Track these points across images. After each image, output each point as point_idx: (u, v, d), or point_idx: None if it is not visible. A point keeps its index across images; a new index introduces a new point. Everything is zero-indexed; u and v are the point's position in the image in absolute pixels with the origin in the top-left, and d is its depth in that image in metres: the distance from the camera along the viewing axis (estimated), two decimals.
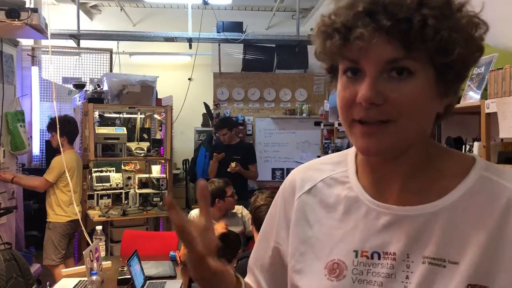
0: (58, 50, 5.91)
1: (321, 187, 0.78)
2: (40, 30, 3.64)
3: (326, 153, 5.88)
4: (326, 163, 0.81)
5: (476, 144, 2.30)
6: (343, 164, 0.78)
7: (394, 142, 0.64)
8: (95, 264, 2.54)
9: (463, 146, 2.53)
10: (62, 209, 3.87)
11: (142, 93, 4.52)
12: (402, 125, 0.63)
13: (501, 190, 0.65)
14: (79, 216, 3.81)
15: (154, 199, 4.54)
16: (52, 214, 3.88)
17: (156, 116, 5.40)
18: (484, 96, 2.15)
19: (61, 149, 3.73)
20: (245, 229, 3.45)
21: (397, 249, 0.67)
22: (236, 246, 2.82)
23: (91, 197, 4.39)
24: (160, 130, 5.39)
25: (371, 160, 0.72)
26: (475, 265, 0.62)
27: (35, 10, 3.51)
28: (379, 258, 0.68)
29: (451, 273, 0.63)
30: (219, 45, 6.70)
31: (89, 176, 4.41)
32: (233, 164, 4.74)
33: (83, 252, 2.51)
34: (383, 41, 0.60)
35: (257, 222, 2.44)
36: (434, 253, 0.64)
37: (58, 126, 3.54)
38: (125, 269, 2.72)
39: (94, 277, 2.37)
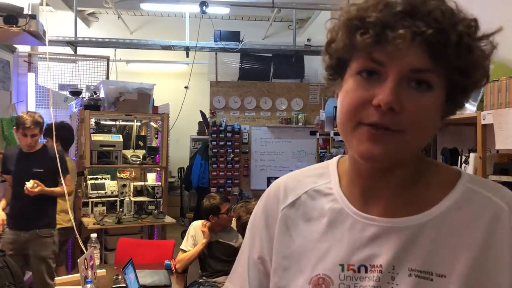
0: (55, 56, 5.90)
1: (305, 199, 0.75)
2: (38, 37, 3.64)
3: (321, 161, 5.87)
4: (308, 175, 0.79)
5: (472, 155, 2.31)
6: (325, 175, 0.76)
7: (398, 151, 0.62)
8: (89, 272, 2.52)
9: (459, 157, 2.54)
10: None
11: (139, 100, 4.52)
12: (409, 137, 0.62)
13: (487, 203, 0.65)
14: (70, 224, 3.77)
15: (149, 207, 4.52)
16: None
17: (152, 123, 5.39)
18: (480, 108, 2.16)
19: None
20: None
21: (383, 262, 0.65)
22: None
23: (85, 204, 4.36)
24: (156, 138, 5.39)
25: (362, 171, 0.70)
26: (464, 278, 0.61)
27: (33, 17, 3.51)
28: (366, 271, 0.66)
29: (439, 287, 0.62)
30: (216, 54, 6.73)
31: (84, 184, 4.39)
32: (28, 184, 3.28)
33: (78, 260, 2.48)
34: (418, 47, 0.58)
35: None
36: (421, 265, 0.63)
37: (54, 133, 3.52)
38: (120, 277, 2.70)
39: (88, 285, 2.35)
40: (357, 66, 0.63)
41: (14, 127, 3.51)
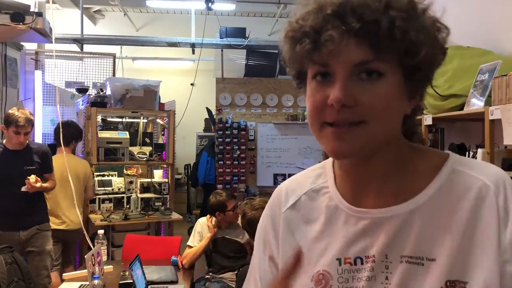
0: (62, 54, 5.93)
1: (304, 200, 0.78)
2: (45, 34, 3.66)
3: (327, 158, 5.86)
4: (308, 176, 0.81)
5: (480, 150, 2.29)
6: (323, 175, 0.79)
7: (364, 143, 0.64)
8: (97, 268, 2.53)
9: (466, 153, 2.52)
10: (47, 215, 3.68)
11: (145, 97, 4.53)
12: (372, 127, 0.63)
13: (472, 182, 0.65)
14: (64, 227, 3.73)
15: (156, 203, 4.53)
16: None
17: (158, 120, 5.40)
18: (488, 103, 2.15)
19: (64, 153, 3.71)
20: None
21: (376, 252, 0.67)
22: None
23: (93, 201, 4.38)
24: (163, 135, 5.40)
25: (345, 164, 0.72)
26: (452, 260, 0.62)
27: (39, 14, 3.53)
28: (362, 263, 0.68)
29: (430, 270, 0.63)
30: (222, 50, 6.73)
31: None
32: (32, 179, 3.25)
33: (85, 256, 2.50)
34: (353, 43, 0.61)
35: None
36: (412, 251, 0.64)
37: (61, 130, 3.53)
38: (127, 273, 2.71)
39: (96, 281, 2.36)
40: (310, 72, 0.67)
41: (2, 125, 3.36)
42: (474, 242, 0.62)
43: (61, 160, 3.65)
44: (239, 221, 3.36)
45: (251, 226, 2.52)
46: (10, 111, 3.36)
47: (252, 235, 2.53)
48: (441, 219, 0.65)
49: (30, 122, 3.33)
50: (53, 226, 3.67)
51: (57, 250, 3.78)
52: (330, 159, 0.79)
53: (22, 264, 2.86)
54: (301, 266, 0.67)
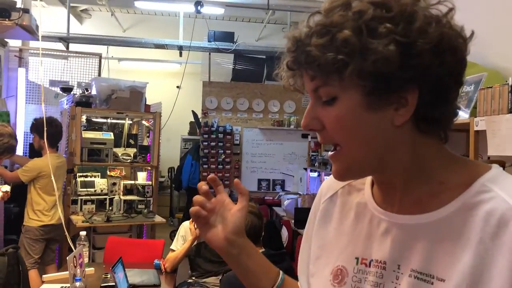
0: (47, 52, 5.85)
1: (341, 194, 0.80)
2: (31, 31, 3.60)
3: (312, 165, 5.89)
4: None
5: None
6: None
7: (346, 166, 0.67)
8: (78, 270, 2.49)
9: None
10: (34, 213, 3.77)
11: (131, 98, 4.50)
12: (346, 148, 0.65)
13: (498, 204, 0.60)
14: (62, 221, 3.70)
15: (139, 206, 4.48)
16: (27, 217, 3.79)
17: (144, 122, 5.36)
18: (473, 114, 2.18)
19: (44, 151, 3.66)
20: None
21: (388, 258, 0.66)
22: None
23: (74, 202, 4.32)
24: (148, 137, 5.35)
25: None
26: (462, 285, 0.58)
27: (26, 11, 3.48)
28: (372, 266, 0.68)
29: None
30: (209, 54, 6.73)
31: (74, 181, 4.35)
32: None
33: (67, 258, 2.45)
34: (306, 72, 0.66)
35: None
36: (422, 267, 0.62)
37: (45, 129, 3.48)
38: (109, 276, 2.68)
39: (77, 284, 2.32)
40: None
41: None
42: (488, 272, 0.58)
43: (51, 160, 3.63)
44: None
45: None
46: None
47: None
48: (457, 239, 0.61)
49: (7, 151, 3.39)
50: (46, 222, 3.71)
51: (40, 248, 3.76)
52: None
53: (23, 266, 2.76)
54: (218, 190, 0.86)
